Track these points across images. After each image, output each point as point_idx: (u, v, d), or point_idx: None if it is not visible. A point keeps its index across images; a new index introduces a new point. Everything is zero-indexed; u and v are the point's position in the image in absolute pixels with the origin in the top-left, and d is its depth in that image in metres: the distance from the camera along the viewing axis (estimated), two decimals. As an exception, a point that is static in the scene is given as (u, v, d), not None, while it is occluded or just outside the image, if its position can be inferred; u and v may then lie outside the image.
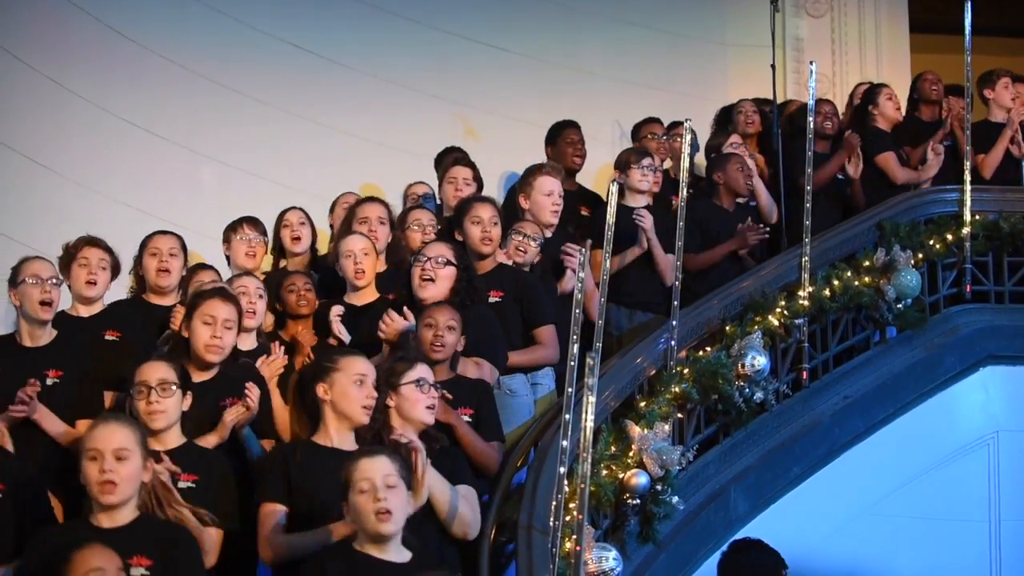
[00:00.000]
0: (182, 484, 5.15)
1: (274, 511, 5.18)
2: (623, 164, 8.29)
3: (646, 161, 8.23)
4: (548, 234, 7.67)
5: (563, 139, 8.92)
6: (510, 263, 7.27)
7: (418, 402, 5.54)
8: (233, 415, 5.71)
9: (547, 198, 7.68)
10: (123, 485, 4.65)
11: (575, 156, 8.81)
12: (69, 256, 6.59)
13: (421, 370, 5.62)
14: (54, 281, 6.16)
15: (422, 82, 10.46)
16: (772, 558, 5.86)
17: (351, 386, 5.31)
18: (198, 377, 5.77)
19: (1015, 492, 8.10)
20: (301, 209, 8.04)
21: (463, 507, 5.48)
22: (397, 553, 4.75)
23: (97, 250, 6.60)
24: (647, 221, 7.86)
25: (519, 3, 10.97)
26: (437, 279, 6.52)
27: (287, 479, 5.20)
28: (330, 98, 10.25)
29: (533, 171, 7.85)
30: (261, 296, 6.58)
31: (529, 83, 10.71)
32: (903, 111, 9.52)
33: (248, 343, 6.44)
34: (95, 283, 6.59)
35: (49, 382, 5.99)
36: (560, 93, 10.65)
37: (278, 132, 10.02)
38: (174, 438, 5.31)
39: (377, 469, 4.74)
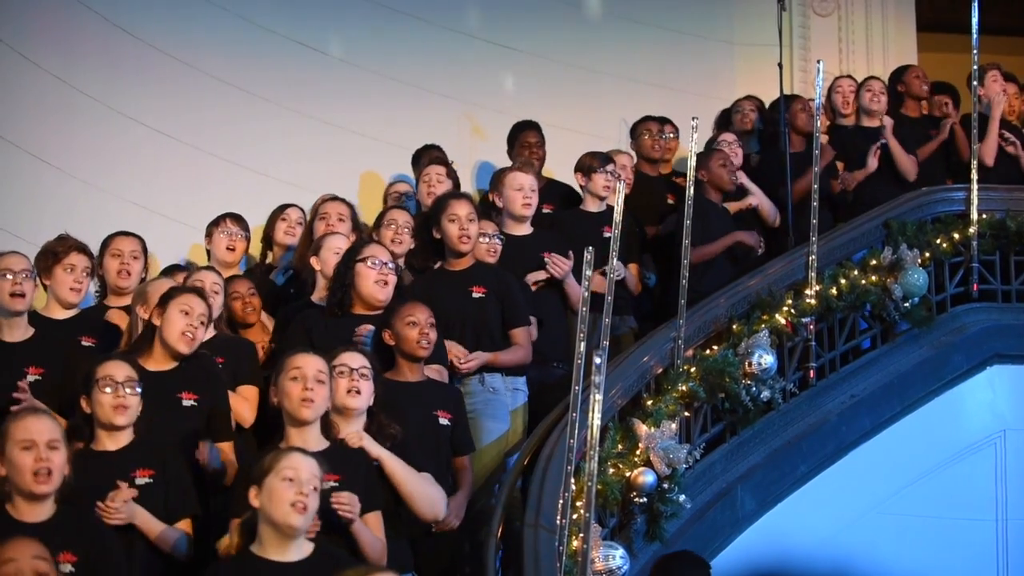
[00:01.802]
0: (140, 480, 5.20)
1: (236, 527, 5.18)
2: (586, 168, 8.20)
3: (609, 166, 8.17)
4: (525, 230, 7.65)
5: (519, 142, 8.91)
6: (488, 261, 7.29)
7: (337, 389, 5.54)
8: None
9: (518, 192, 7.62)
10: (56, 475, 4.72)
11: (532, 158, 8.70)
12: (54, 257, 6.55)
13: (343, 357, 5.61)
14: (26, 274, 6.17)
15: (429, 80, 10.45)
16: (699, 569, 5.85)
17: (288, 383, 5.34)
18: (156, 367, 5.79)
19: (1022, 491, 8.09)
20: (302, 209, 8.07)
21: (429, 488, 5.57)
22: (296, 551, 4.75)
23: (83, 256, 6.59)
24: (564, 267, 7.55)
25: (526, 1, 10.96)
26: (388, 283, 6.48)
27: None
28: (337, 96, 10.24)
29: (504, 170, 7.87)
30: (216, 292, 6.54)
31: (536, 81, 10.71)
32: (883, 102, 9.44)
33: (206, 334, 6.39)
34: (80, 290, 6.59)
35: (31, 379, 6.02)
36: (567, 92, 10.65)
37: (284, 130, 10.01)
38: (126, 436, 5.34)
39: (306, 466, 4.78)
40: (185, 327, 5.83)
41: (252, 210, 8.05)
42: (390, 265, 6.49)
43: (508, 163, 8.52)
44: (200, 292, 6.08)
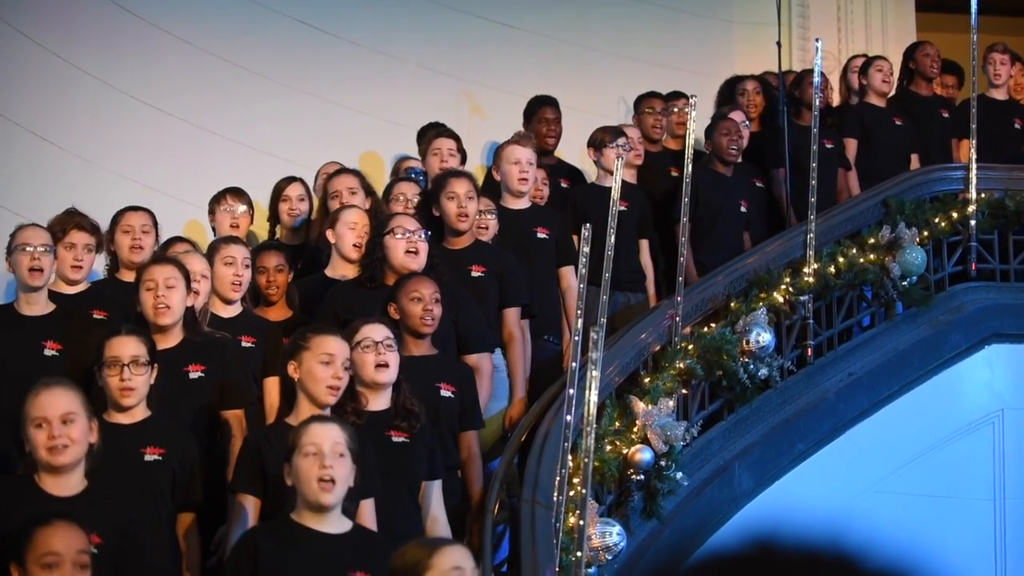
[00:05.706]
0: (149, 457, 5.20)
1: (242, 502, 5.16)
2: (597, 143, 8.21)
3: (620, 140, 8.18)
4: (522, 204, 7.62)
5: (536, 118, 8.81)
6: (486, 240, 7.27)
7: (364, 364, 5.53)
8: None
9: (514, 166, 7.54)
10: (74, 447, 4.65)
11: (548, 136, 8.66)
12: (54, 234, 6.48)
13: (366, 331, 5.59)
14: (43, 248, 6.14)
15: (428, 58, 10.44)
16: None
17: (317, 365, 5.26)
18: (161, 344, 5.74)
19: (1020, 470, 8.13)
20: (302, 183, 8.03)
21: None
22: (337, 524, 4.71)
23: (83, 234, 6.54)
24: None
25: (526, -21, 10.97)
26: (419, 252, 6.50)
27: (261, 469, 5.14)
28: (336, 74, 10.23)
29: (502, 144, 7.82)
30: (247, 266, 6.56)
31: (535, 60, 10.69)
32: (893, 83, 9.47)
33: (232, 311, 6.49)
34: (81, 267, 6.55)
35: (48, 353, 6.03)
36: (566, 70, 10.63)
37: (284, 108, 10.00)
38: (140, 411, 5.34)
39: (326, 436, 4.70)
40: (155, 300, 5.82)
41: (251, 188, 7.98)
42: (418, 234, 6.51)
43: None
44: (163, 259, 6.12)
